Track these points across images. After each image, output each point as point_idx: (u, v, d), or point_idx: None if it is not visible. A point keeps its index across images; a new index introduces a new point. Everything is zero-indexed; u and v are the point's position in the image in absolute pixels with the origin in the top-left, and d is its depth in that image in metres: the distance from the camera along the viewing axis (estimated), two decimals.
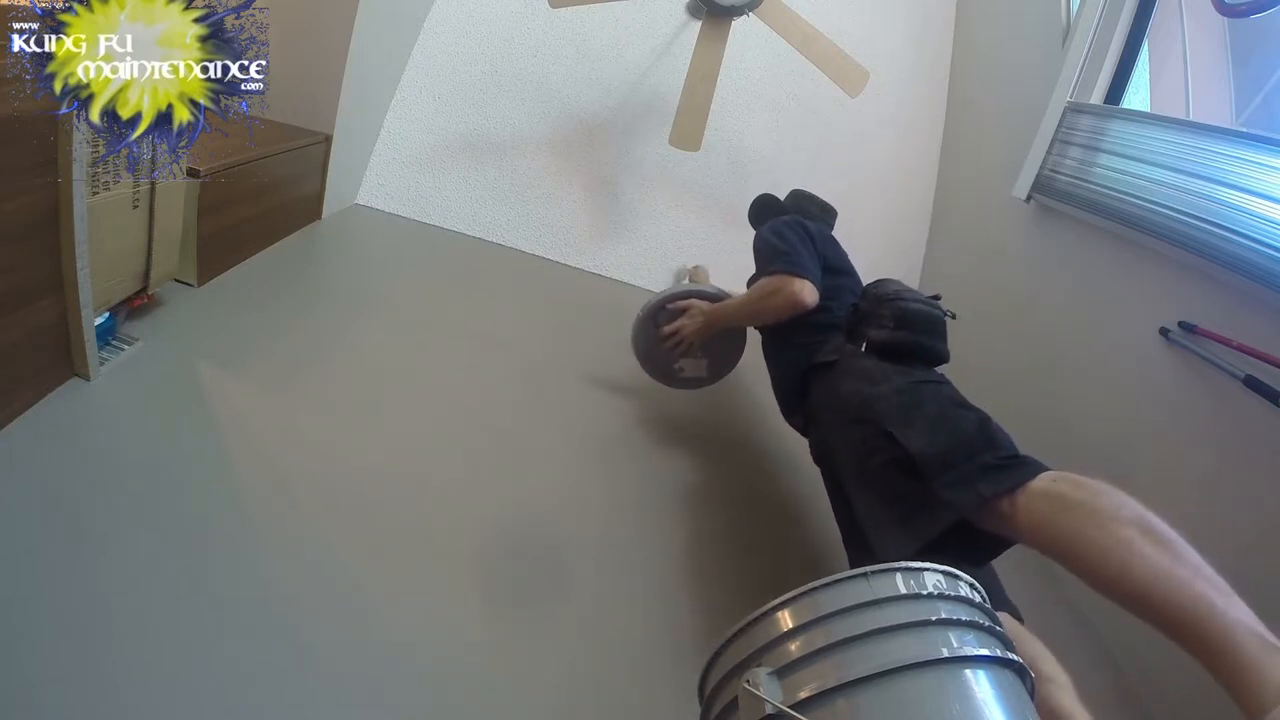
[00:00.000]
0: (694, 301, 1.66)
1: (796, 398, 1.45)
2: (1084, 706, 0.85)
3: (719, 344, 1.73)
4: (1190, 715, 1.28)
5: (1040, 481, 0.88)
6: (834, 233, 1.74)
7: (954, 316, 1.33)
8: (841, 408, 1.22)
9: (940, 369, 1.27)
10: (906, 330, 1.25)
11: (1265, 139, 1.44)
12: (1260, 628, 0.67)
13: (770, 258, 1.47)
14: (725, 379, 1.85)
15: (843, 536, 1.28)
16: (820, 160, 2.89)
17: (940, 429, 1.01)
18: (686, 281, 1.76)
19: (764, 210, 1.86)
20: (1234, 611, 0.68)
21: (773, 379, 1.59)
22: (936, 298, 1.35)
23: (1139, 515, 0.79)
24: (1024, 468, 0.92)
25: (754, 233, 1.64)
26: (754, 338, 1.75)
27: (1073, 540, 0.81)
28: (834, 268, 1.54)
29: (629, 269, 2.74)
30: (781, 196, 1.89)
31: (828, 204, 1.83)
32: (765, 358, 1.65)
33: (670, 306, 1.69)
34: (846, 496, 1.18)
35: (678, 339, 1.66)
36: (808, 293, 1.39)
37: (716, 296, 1.67)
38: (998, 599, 1.02)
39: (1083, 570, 0.80)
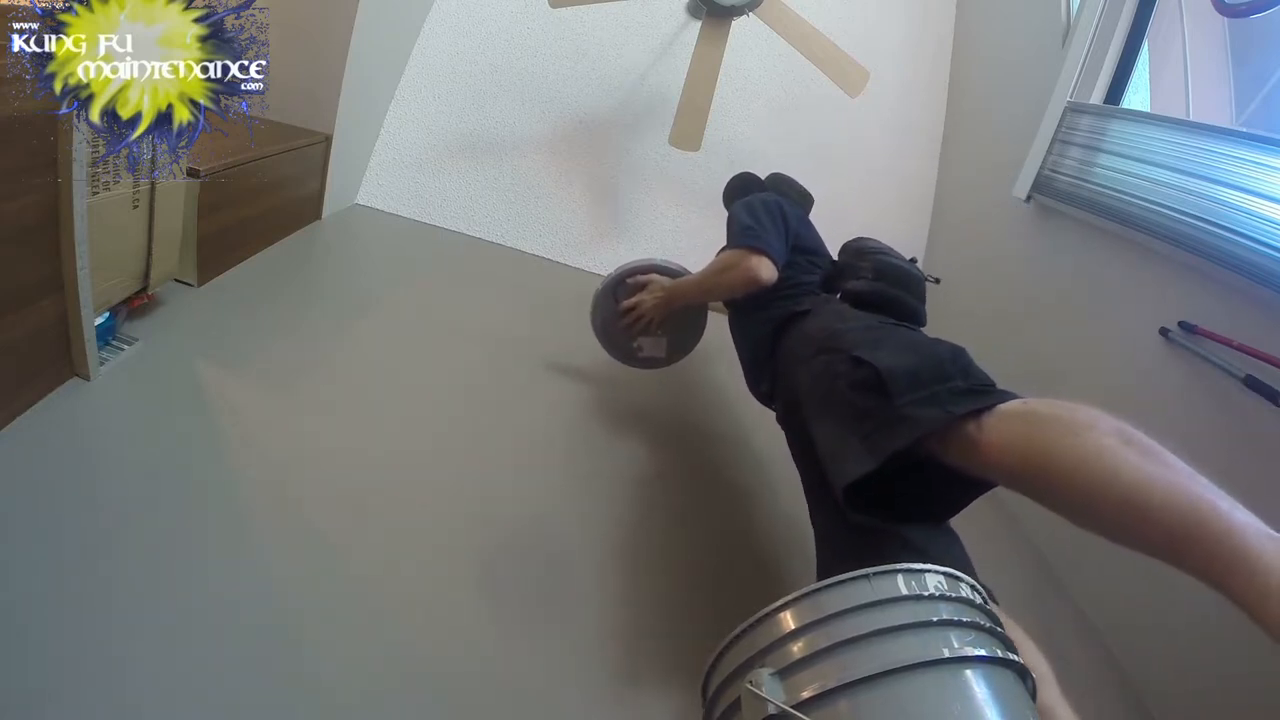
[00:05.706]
0: (654, 276, 1.61)
1: (765, 356, 1.33)
2: (1067, 703, 0.78)
3: (678, 324, 1.69)
4: (1194, 715, 1.28)
5: (1012, 404, 0.79)
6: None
7: (937, 281, 1.26)
8: (806, 343, 1.12)
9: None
10: (885, 282, 1.21)
11: (1265, 139, 1.44)
12: (1272, 531, 0.58)
13: (736, 233, 1.40)
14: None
15: (809, 503, 1.15)
16: (820, 160, 2.89)
17: (912, 350, 0.93)
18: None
19: (741, 188, 1.77)
20: (1240, 514, 0.59)
21: (740, 351, 1.50)
22: (914, 260, 1.32)
23: (1119, 426, 0.69)
24: (998, 394, 0.83)
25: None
26: (719, 322, 1.69)
27: (1048, 453, 0.70)
28: (807, 247, 1.48)
29: None
30: (763, 177, 1.83)
31: (806, 190, 1.75)
32: (732, 332, 1.56)
33: (630, 281, 1.64)
34: (810, 440, 1.02)
35: (637, 314, 1.61)
36: (765, 269, 1.31)
37: (678, 273, 1.63)
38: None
39: (1060, 487, 0.70)
